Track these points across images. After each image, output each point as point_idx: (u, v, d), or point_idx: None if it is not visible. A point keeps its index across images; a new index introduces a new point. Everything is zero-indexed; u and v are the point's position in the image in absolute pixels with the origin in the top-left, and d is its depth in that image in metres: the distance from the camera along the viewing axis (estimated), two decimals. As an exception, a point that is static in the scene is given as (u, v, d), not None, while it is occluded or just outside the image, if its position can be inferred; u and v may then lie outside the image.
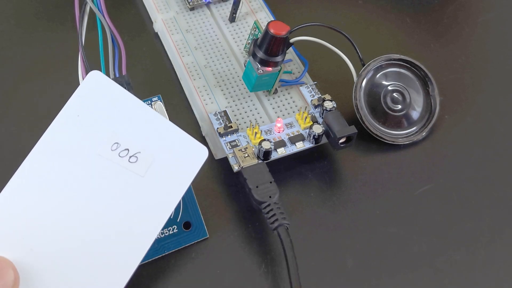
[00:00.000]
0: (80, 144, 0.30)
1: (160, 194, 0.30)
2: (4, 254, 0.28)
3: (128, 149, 0.30)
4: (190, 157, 0.30)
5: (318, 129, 0.35)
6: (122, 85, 0.34)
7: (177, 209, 0.33)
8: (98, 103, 0.31)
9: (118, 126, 0.30)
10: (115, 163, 0.30)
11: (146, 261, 0.33)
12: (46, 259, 0.28)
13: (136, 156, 0.30)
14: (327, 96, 0.37)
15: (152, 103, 0.34)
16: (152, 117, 0.31)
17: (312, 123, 0.36)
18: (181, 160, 0.30)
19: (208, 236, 0.34)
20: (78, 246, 0.29)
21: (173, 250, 0.33)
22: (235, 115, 0.37)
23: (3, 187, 0.35)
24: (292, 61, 0.39)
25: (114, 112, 0.31)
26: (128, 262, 0.29)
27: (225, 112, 0.36)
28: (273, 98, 0.38)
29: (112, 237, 0.29)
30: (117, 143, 0.30)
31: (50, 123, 0.37)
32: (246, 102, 0.37)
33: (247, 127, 0.36)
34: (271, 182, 0.33)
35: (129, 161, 0.30)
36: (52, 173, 0.30)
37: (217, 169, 0.36)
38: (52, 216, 0.29)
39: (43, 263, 0.28)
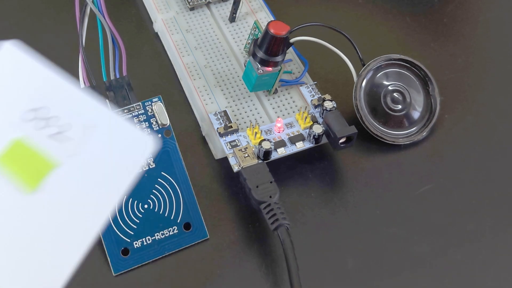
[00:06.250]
0: None
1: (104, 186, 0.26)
2: None
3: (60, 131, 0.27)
4: (135, 147, 0.27)
5: (318, 129, 0.35)
6: (122, 86, 0.34)
7: (177, 209, 0.33)
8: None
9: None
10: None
11: (146, 262, 0.33)
12: None
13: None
14: (327, 96, 0.37)
15: (152, 103, 0.34)
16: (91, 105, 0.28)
17: (312, 123, 0.36)
18: (127, 152, 0.27)
19: (208, 237, 0.34)
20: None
21: (174, 251, 0.33)
22: (235, 115, 0.37)
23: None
24: (292, 61, 0.39)
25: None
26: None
27: (225, 112, 0.36)
28: (273, 98, 0.38)
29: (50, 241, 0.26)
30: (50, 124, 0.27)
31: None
32: (246, 102, 0.37)
33: (247, 127, 0.36)
34: (271, 182, 0.33)
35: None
36: None
37: (217, 169, 0.36)
38: None
39: None
